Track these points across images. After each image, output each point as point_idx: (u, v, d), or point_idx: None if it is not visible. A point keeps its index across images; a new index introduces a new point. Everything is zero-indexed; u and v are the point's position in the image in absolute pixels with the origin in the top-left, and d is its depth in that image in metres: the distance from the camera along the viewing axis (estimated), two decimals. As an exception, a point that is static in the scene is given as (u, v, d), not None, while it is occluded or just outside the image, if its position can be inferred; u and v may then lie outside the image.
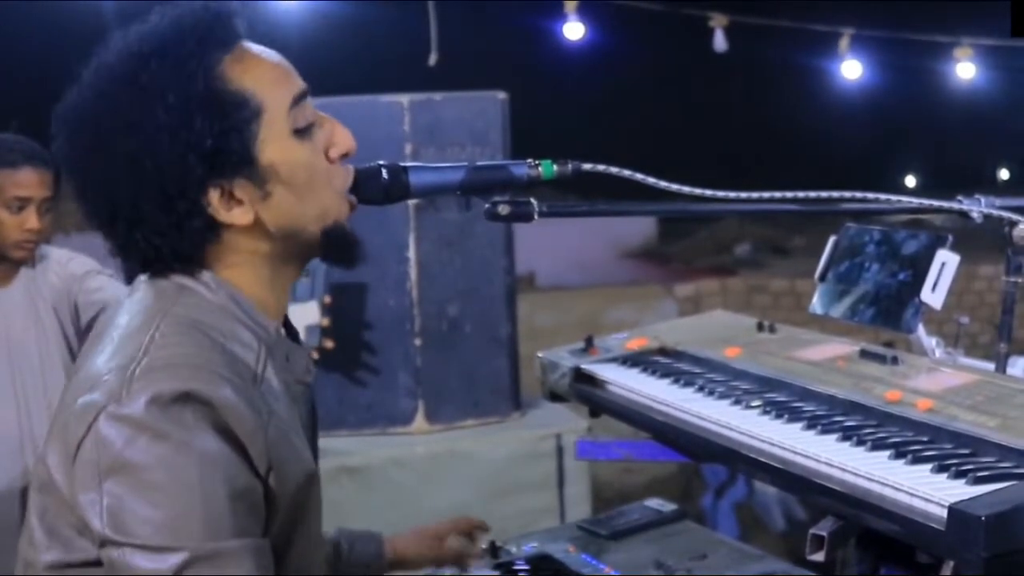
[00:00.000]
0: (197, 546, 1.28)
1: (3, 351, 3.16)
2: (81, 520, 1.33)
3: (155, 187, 1.39)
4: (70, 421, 1.35)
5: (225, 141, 1.40)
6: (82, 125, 1.43)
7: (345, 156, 1.53)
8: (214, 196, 1.42)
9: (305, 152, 1.47)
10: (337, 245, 1.53)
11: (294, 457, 1.43)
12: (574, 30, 9.03)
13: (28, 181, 3.08)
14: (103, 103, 1.41)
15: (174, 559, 1.28)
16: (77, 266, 3.30)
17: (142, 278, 1.50)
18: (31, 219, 3.09)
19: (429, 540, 2.18)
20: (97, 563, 1.34)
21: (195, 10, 1.45)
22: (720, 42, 9.29)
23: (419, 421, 4.45)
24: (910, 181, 37.96)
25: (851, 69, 10.39)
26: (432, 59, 7.74)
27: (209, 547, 1.29)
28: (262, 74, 1.45)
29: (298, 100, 1.47)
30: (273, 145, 1.44)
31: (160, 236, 1.42)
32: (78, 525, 1.34)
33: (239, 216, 1.44)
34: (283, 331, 1.56)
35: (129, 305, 1.48)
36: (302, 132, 1.47)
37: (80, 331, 3.28)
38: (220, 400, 1.31)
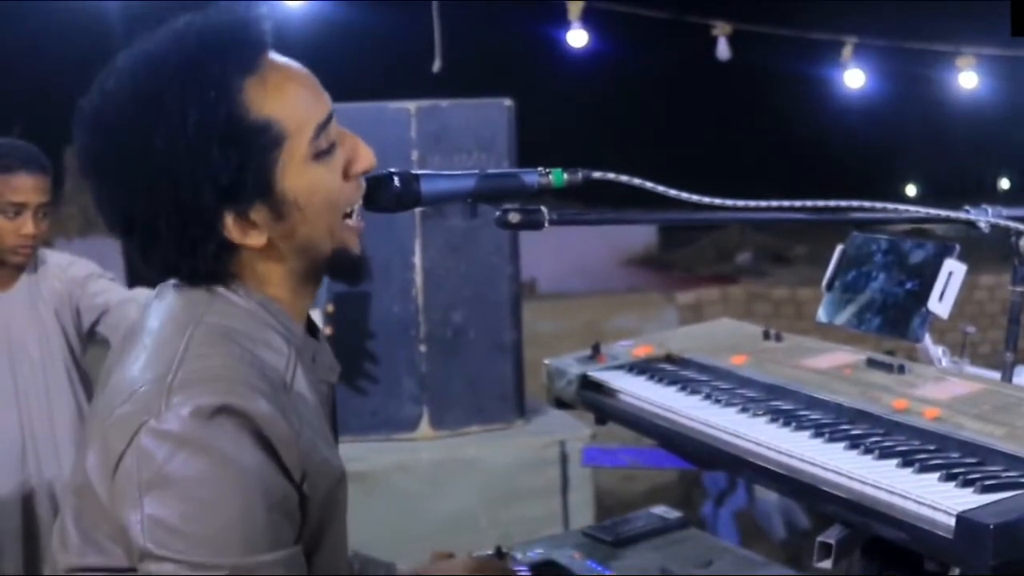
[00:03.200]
0: (236, 562, 1.29)
1: (5, 354, 3.17)
2: (119, 530, 1.32)
3: (170, 210, 1.39)
4: (109, 432, 1.34)
5: (243, 173, 1.39)
6: (102, 136, 1.42)
7: (364, 174, 1.53)
8: (229, 220, 1.41)
9: (323, 174, 1.45)
10: (343, 266, 1.53)
11: (324, 462, 1.44)
12: (578, 38, 9.04)
13: (24, 186, 3.08)
14: (125, 119, 1.39)
15: (215, 574, 1.28)
16: (78, 270, 3.31)
17: (171, 281, 1.50)
18: (27, 224, 3.09)
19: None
20: (130, 570, 1.34)
21: (220, 24, 1.43)
22: (724, 50, 9.31)
23: (424, 427, 4.45)
24: (910, 190, 37.99)
25: (854, 78, 10.41)
26: (436, 65, 7.75)
27: (248, 562, 1.29)
28: (287, 99, 1.43)
29: (323, 127, 1.45)
30: (292, 172, 1.42)
31: (174, 255, 1.42)
32: (113, 534, 1.35)
33: (254, 239, 1.43)
34: (306, 332, 1.57)
35: (159, 310, 1.48)
36: (322, 154, 1.45)
37: (82, 334, 3.29)
38: (257, 412, 1.31)
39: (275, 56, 1.46)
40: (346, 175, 1.49)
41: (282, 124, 1.41)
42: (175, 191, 1.37)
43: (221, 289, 1.45)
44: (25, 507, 3.16)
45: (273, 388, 1.37)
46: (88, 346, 3.34)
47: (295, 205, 1.43)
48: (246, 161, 1.38)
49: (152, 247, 1.42)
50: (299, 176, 1.43)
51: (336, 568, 1.51)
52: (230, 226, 1.41)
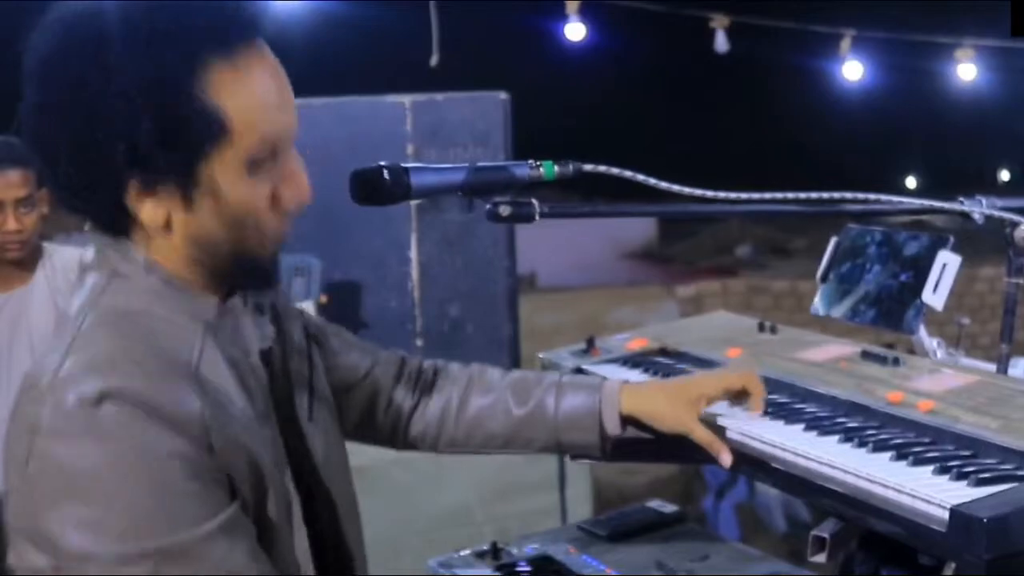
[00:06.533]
0: (161, 544, 1.23)
1: (26, 348, 3.20)
2: (39, 533, 1.25)
3: (79, 153, 1.29)
4: (11, 431, 1.29)
5: (167, 151, 1.28)
6: (40, 58, 1.32)
7: (294, 211, 1.42)
8: (133, 185, 1.31)
9: (250, 190, 1.35)
10: (246, 274, 1.44)
11: (243, 442, 1.34)
12: (576, 31, 9.03)
13: None
14: (70, 46, 1.30)
15: (144, 564, 1.22)
16: None
17: (88, 259, 1.42)
18: (8, 220, 3.10)
19: (682, 403, 1.87)
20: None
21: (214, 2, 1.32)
22: (721, 43, 9.31)
23: (420, 422, 4.44)
24: (910, 182, 38.03)
25: (852, 70, 10.39)
26: (434, 60, 7.75)
27: (175, 541, 1.23)
28: (248, 96, 1.31)
29: (273, 140, 1.35)
30: (220, 171, 1.32)
31: (74, 196, 1.35)
32: (34, 536, 1.27)
33: (147, 211, 1.33)
34: (236, 301, 1.45)
35: (75, 295, 1.41)
36: (256, 168, 1.34)
37: None
38: (142, 391, 1.24)
39: (259, 50, 1.34)
40: (274, 202, 1.39)
41: (230, 121, 1.30)
42: (90, 138, 1.28)
43: (125, 266, 1.37)
44: None
45: (171, 366, 1.30)
46: None
47: (208, 203, 1.34)
48: (176, 142, 1.28)
49: (57, 184, 1.35)
50: (224, 179, 1.33)
51: (292, 564, 1.43)
52: (131, 189, 1.31)
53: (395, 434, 1.98)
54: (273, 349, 1.53)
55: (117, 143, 1.27)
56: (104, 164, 1.29)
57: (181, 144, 1.29)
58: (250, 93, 1.31)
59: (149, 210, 1.33)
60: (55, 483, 1.23)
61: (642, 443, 2.01)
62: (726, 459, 1.83)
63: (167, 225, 1.35)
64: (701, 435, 1.86)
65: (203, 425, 1.28)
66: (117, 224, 1.36)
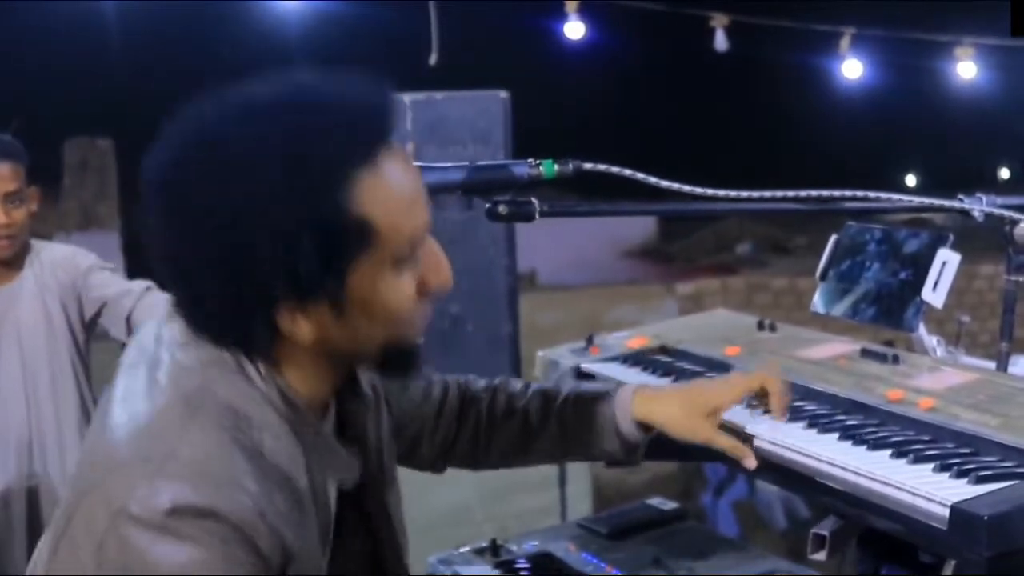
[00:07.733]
0: None
1: (14, 346, 3.19)
2: None
3: (229, 282, 1.25)
4: (93, 501, 1.25)
5: (322, 272, 1.25)
6: (180, 184, 1.27)
7: (439, 293, 1.40)
8: (286, 306, 1.27)
9: (399, 286, 1.32)
10: (394, 365, 1.43)
11: (310, 561, 1.33)
12: (575, 29, 9.04)
13: None
14: (216, 182, 1.25)
15: None
16: (82, 260, 3.33)
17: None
18: None
19: (697, 414, 1.82)
20: None
21: (350, 102, 1.29)
22: (721, 42, 9.32)
23: (420, 420, 4.45)
24: (910, 180, 37.97)
25: (852, 68, 10.41)
26: (433, 58, 7.75)
27: None
28: (392, 200, 1.29)
29: (415, 237, 1.33)
30: (369, 276, 1.29)
31: (217, 321, 1.30)
32: None
33: (302, 330, 1.29)
34: (329, 428, 1.44)
35: (172, 353, 1.34)
36: (403, 264, 1.32)
37: (85, 324, 3.30)
38: (240, 517, 1.21)
39: (394, 148, 1.32)
40: (420, 291, 1.36)
41: (377, 226, 1.27)
42: (242, 270, 1.24)
43: (244, 360, 1.32)
44: (30, 500, 3.19)
45: (267, 487, 1.26)
46: (91, 337, 3.36)
47: (360, 310, 1.30)
48: (329, 260, 1.25)
49: (197, 307, 1.31)
50: (374, 283, 1.30)
51: None
52: (284, 313, 1.28)
53: (434, 465, 1.95)
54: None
55: (276, 274, 1.24)
56: (259, 294, 1.25)
57: (335, 260, 1.26)
58: (392, 196, 1.29)
59: (302, 330, 1.29)
60: (135, 570, 1.20)
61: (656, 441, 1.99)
62: (750, 463, 1.80)
63: (320, 339, 1.31)
64: (723, 443, 1.81)
65: (287, 555, 1.26)
66: (267, 343, 1.31)
